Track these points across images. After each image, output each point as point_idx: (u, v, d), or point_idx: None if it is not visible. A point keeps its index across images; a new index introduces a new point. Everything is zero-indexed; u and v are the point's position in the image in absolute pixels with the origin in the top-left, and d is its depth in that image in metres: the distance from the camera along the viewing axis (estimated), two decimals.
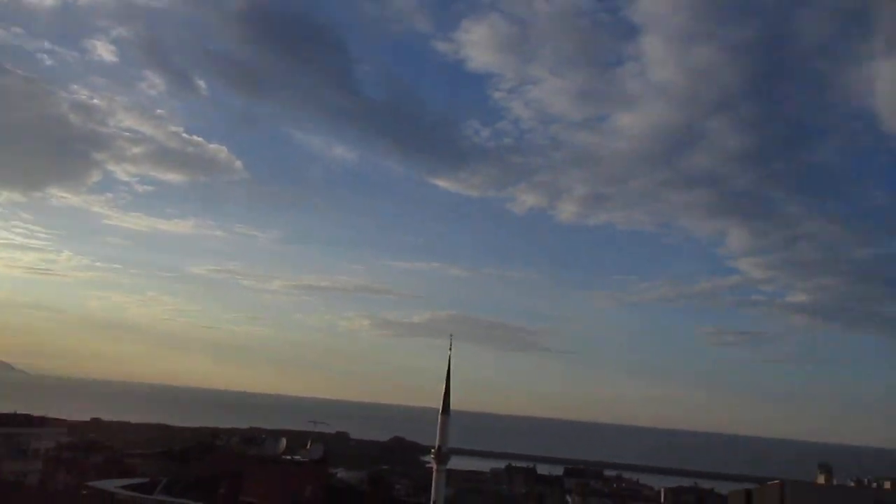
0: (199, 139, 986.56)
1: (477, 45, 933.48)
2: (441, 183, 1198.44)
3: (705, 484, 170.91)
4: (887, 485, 55.67)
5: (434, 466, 73.17)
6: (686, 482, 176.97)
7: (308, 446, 45.15)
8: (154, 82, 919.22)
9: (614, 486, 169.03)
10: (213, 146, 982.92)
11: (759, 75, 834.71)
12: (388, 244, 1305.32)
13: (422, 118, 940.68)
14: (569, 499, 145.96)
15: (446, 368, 74.65)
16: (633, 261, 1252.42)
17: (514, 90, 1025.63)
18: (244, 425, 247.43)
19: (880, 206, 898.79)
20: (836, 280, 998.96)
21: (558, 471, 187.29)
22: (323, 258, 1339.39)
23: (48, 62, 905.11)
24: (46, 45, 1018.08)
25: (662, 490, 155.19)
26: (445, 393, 73.62)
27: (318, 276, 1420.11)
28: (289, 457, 42.08)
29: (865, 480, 58.72)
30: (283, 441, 44.85)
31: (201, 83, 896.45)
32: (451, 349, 75.11)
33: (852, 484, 58.83)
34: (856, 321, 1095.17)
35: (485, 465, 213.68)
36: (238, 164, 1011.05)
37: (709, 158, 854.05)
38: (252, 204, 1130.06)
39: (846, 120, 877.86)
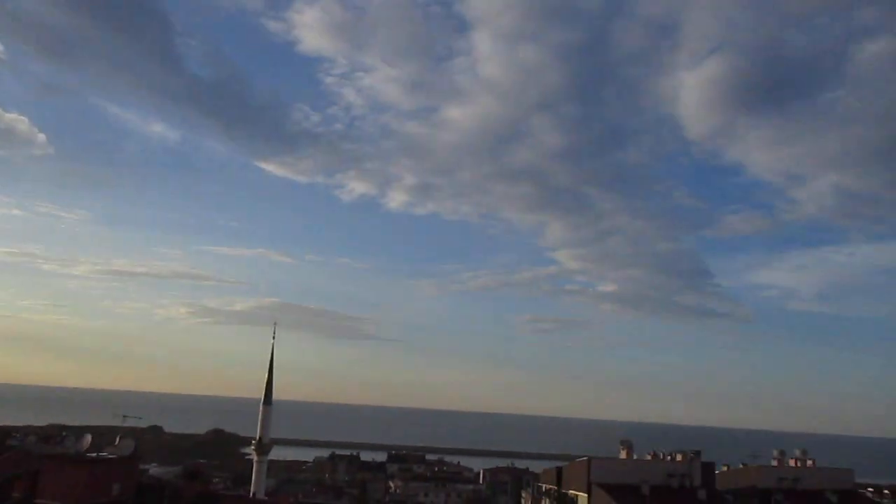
0: None
1: (309, 27, 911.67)
2: (268, 167, 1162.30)
3: (521, 464, 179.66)
4: (679, 457, 61.16)
5: (255, 458, 71.34)
6: (503, 463, 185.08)
7: (117, 442, 42.25)
8: None
9: (436, 469, 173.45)
10: (10, 116, 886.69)
11: (580, 78, 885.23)
12: (209, 228, 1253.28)
13: (249, 99, 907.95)
14: (391, 484, 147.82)
15: (269, 357, 72.94)
16: (459, 250, 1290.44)
17: (345, 76, 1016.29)
18: (42, 422, 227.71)
19: (680, 205, 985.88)
20: (641, 271, 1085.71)
21: (382, 457, 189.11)
22: (137, 242, 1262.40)
23: None
24: None
25: (481, 471, 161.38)
26: (268, 383, 71.95)
27: (131, 261, 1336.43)
28: (94, 454, 39.13)
29: (661, 454, 64.12)
30: (88, 437, 41.61)
31: None
32: (274, 338, 73.56)
33: (649, 457, 64.09)
34: (656, 309, 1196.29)
35: (308, 455, 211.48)
36: (41, 137, 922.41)
37: (531, 154, 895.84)
38: (57, 181, 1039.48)
39: (655, 125, 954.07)
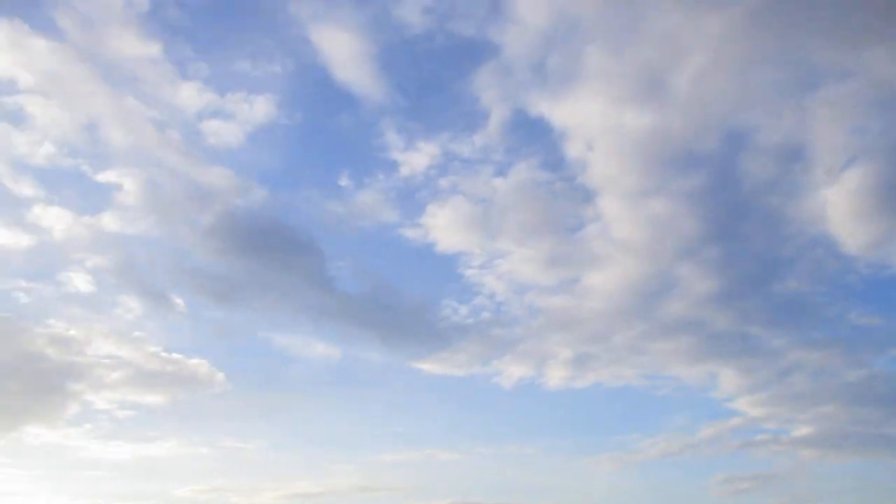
0: (179, 356, 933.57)
1: (443, 227, 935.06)
2: (425, 367, 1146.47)
3: None
4: None
5: None
6: None
7: None
8: (130, 306, 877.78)
9: None
10: (193, 361, 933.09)
11: (714, 220, 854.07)
12: (377, 437, 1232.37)
13: (398, 305, 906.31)
14: None
15: None
16: (629, 418, 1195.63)
17: (485, 266, 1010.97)
18: None
19: (859, 326, 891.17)
20: (833, 407, 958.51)
21: None
22: (313, 462, 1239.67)
23: (24, 300, 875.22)
24: (22, 283, 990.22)
25: None
26: None
27: (309, 482, 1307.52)
28: None
29: None
30: None
31: (179, 300, 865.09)
32: None
33: None
34: (859, 446, 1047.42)
35: None
36: (219, 376, 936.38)
37: (682, 305, 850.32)
38: (236, 415, 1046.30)
39: (807, 249, 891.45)
